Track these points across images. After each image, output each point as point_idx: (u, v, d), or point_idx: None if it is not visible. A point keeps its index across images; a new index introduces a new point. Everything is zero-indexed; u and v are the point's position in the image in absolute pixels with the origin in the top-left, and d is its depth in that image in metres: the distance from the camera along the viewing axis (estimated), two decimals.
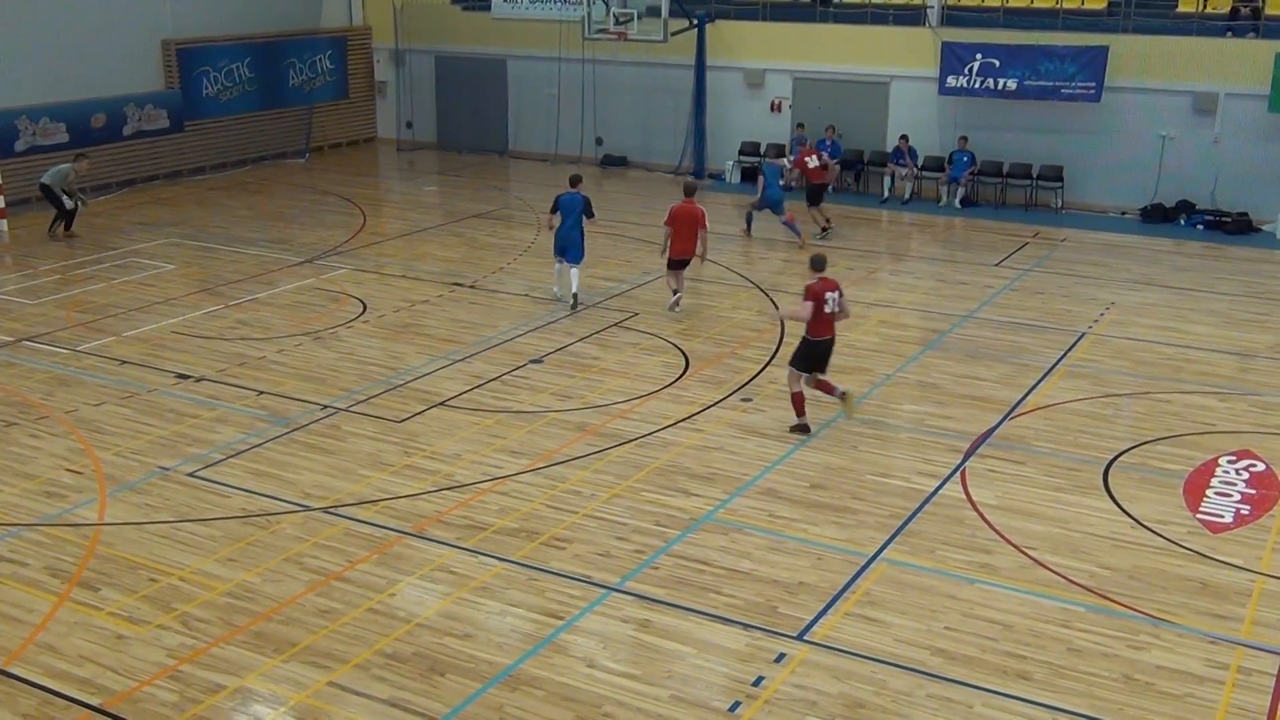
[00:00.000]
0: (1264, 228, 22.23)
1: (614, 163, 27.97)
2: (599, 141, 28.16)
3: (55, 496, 11.14)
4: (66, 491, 11.24)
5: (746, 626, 9.06)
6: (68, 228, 20.99)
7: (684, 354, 15.05)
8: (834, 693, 8.27)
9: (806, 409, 12.65)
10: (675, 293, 16.72)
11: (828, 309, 12.43)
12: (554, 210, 16.75)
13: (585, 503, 11.06)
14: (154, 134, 25.21)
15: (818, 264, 12.69)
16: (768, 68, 26.18)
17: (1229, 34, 22.85)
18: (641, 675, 8.46)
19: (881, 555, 10.15)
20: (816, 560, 10.06)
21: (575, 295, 16.79)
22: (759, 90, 26.36)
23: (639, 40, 25.59)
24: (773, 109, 26.24)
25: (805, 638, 8.93)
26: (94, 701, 8.11)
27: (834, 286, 12.53)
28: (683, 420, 12.98)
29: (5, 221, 21.07)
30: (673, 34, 25.37)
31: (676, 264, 16.62)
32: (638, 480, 11.53)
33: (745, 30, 26.36)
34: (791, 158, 24.96)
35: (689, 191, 16.91)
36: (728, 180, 26.27)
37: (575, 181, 17.03)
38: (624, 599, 9.44)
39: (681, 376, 14.30)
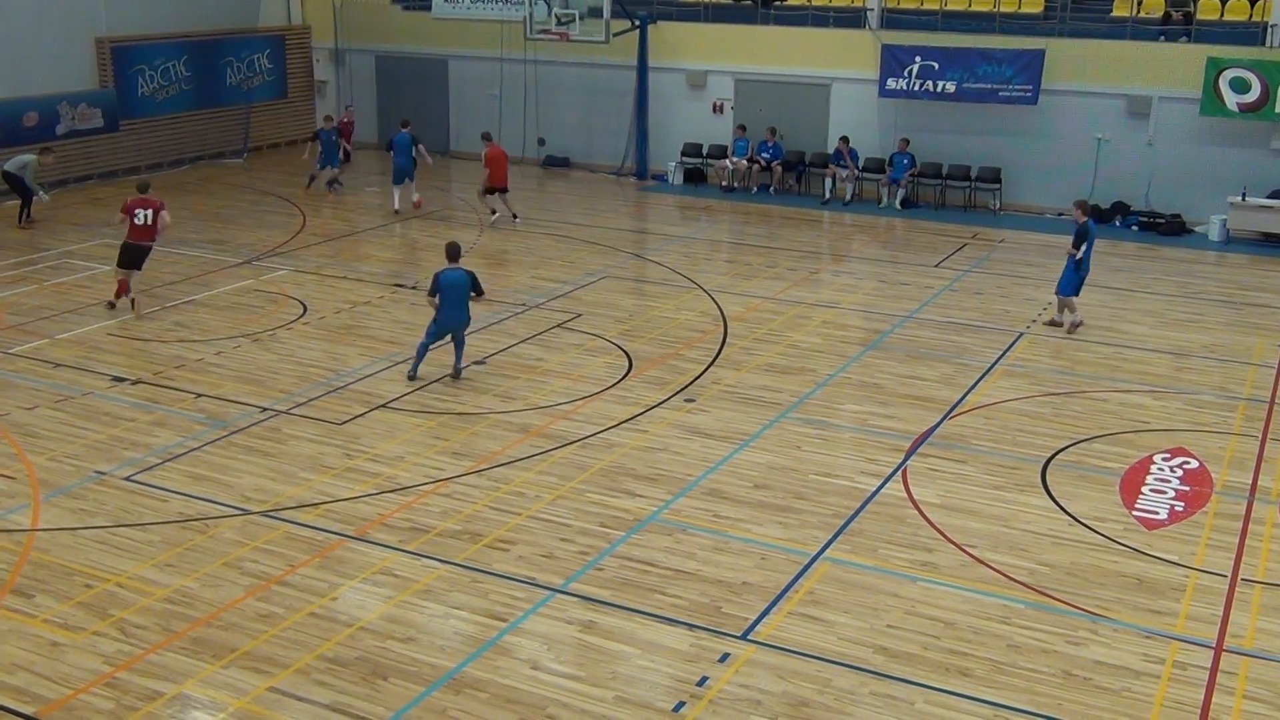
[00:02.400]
0: (1197, 229, 22.68)
1: (556, 163, 27.91)
2: (541, 142, 28.09)
3: None
4: None
5: (691, 627, 9.07)
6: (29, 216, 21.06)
7: (627, 355, 15.05)
8: (778, 691, 8.30)
9: None
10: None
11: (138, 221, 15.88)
12: (433, 292, 13.83)
13: (529, 504, 11.01)
14: (88, 133, 24.77)
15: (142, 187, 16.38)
16: (710, 69, 26.26)
17: (1162, 38, 23.29)
18: (586, 676, 8.44)
19: (824, 554, 10.21)
20: (760, 560, 10.10)
21: (457, 368, 14.29)
22: (701, 91, 26.43)
23: (581, 41, 25.58)
24: (715, 110, 26.32)
25: (749, 637, 8.96)
26: (28, 710, 7.93)
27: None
28: (626, 421, 12.98)
29: None
30: (615, 35, 25.37)
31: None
32: (582, 481, 11.50)
33: (687, 31, 26.42)
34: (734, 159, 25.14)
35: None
36: (670, 181, 26.32)
37: (454, 254, 14.17)
38: (568, 600, 9.41)
39: (625, 377, 14.29)
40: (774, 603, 9.42)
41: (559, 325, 16.17)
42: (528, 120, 27.93)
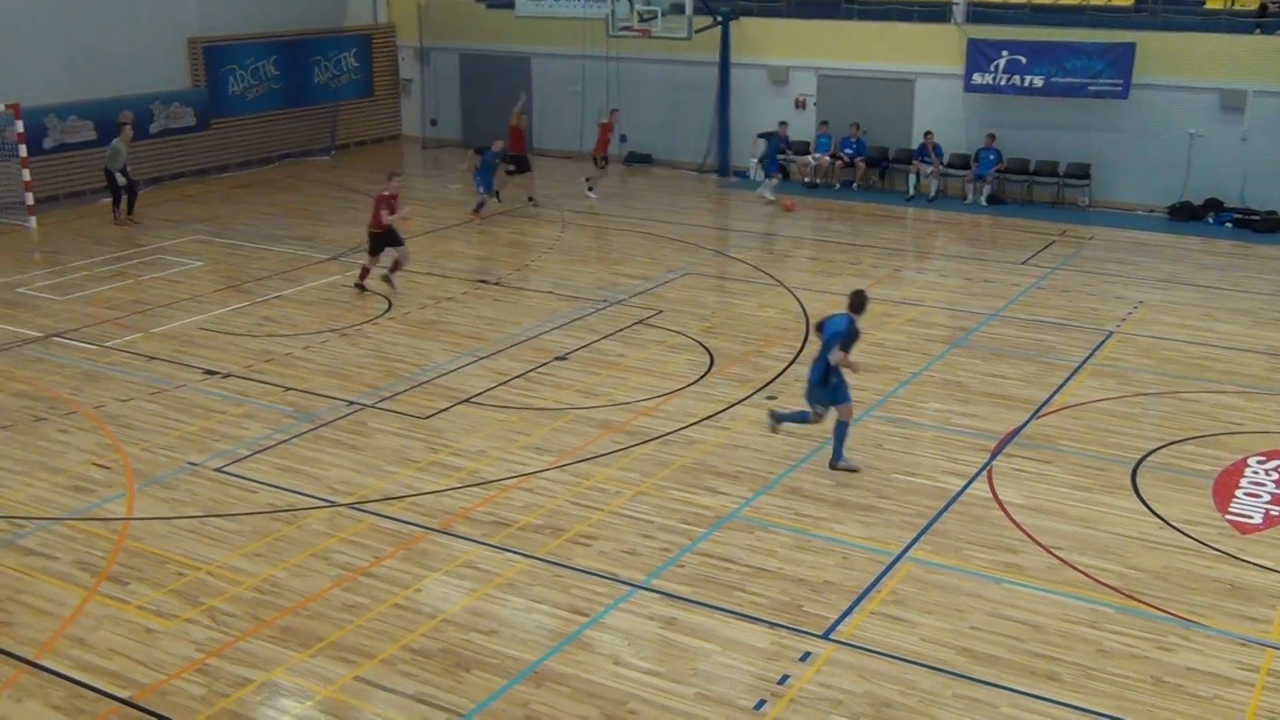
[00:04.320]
0: None
1: (639, 160, 27.95)
2: (623, 139, 28.15)
3: (84, 491, 11.23)
4: (95, 486, 11.33)
5: (772, 625, 9.04)
6: (130, 210, 21.50)
7: (709, 352, 15.04)
8: (860, 692, 8.24)
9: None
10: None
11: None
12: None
13: (610, 500, 11.06)
14: (180, 132, 25.38)
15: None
16: (792, 65, 26.10)
17: (1258, 31, 22.64)
18: (666, 673, 8.46)
19: (907, 554, 10.12)
20: (842, 559, 10.03)
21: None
22: (783, 87, 26.29)
23: (663, 38, 25.58)
24: (797, 106, 26.17)
25: (831, 636, 8.91)
26: (123, 694, 8.17)
27: None
28: (708, 418, 12.97)
29: (34, 219, 21.26)
30: (697, 31, 25.34)
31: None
32: (663, 478, 11.53)
33: (769, 27, 26.29)
34: (816, 155, 25.00)
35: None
36: (752, 177, 26.21)
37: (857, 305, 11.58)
38: (649, 596, 9.44)
39: (707, 374, 14.28)
40: (856, 602, 9.36)
41: (640, 321, 16.21)
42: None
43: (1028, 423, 12.87)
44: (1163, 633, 8.98)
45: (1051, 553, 10.13)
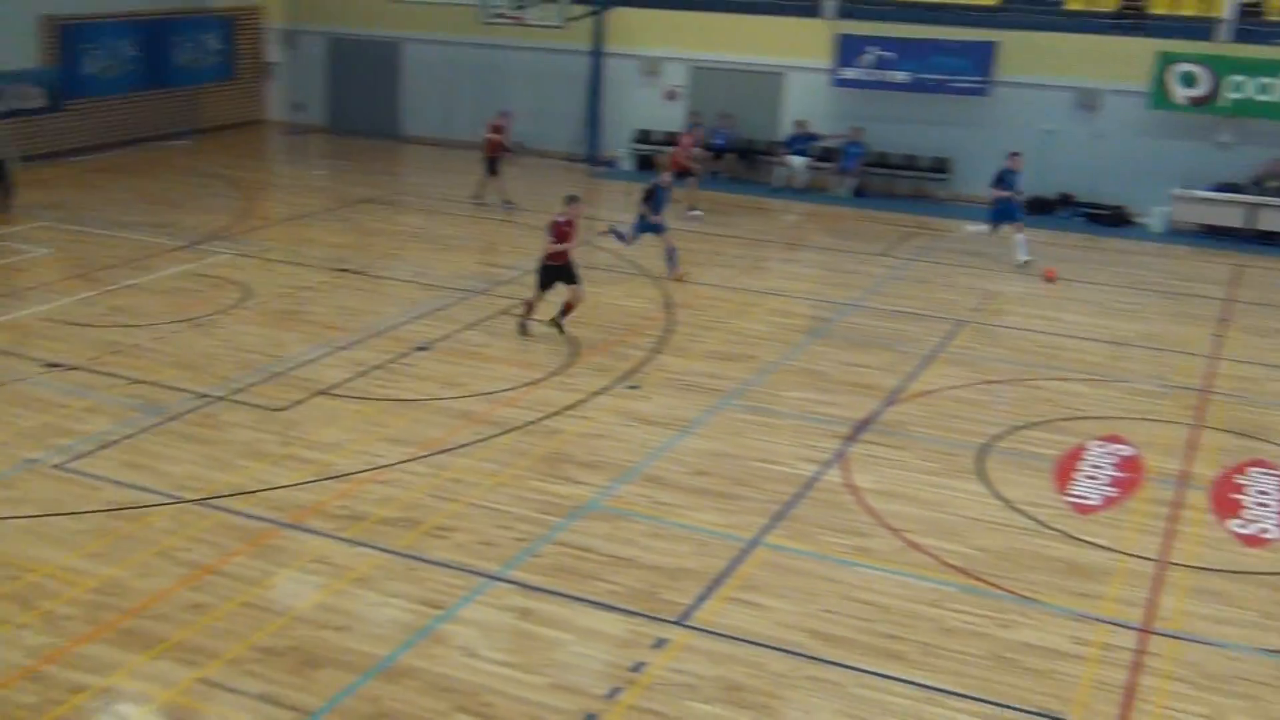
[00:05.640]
0: (1140, 221, 22.95)
1: (507, 150, 27.71)
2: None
3: None
4: None
5: (628, 613, 9.08)
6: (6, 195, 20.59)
7: (572, 341, 15.02)
8: (712, 675, 8.33)
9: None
10: None
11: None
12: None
13: (468, 491, 10.98)
14: (30, 113, 24.34)
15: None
16: (665, 56, 26.21)
17: (1114, 32, 23.50)
18: (521, 663, 8.43)
19: (762, 540, 10.26)
20: (699, 546, 10.13)
21: None
22: (655, 78, 26.38)
23: (536, 25, 25.41)
24: (667, 97, 26.28)
25: (685, 623, 8.98)
26: None
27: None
28: (569, 408, 12.96)
29: None
30: (571, 19, 25.25)
31: None
32: (522, 468, 11.48)
33: (643, 18, 26.35)
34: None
35: None
36: (620, 168, 26.27)
37: None
38: (505, 587, 9.39)
39: (569, 364, 14.27)
40: (711, 588, 9.46)
41: (504, 312, 16.10)
42: (480, 105, 27.70)
43: (883, 410, 13.16)
44: (1003, 610, 9.27)
45: (901, 536, 10.39)
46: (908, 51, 23.74)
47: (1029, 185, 23.52)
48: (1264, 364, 15.25)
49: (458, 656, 8.49)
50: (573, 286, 14.95)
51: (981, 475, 11.65)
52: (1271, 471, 11.93)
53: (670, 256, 17.98)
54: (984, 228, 19.57)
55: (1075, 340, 15.90)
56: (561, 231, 14.72)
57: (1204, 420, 13.24)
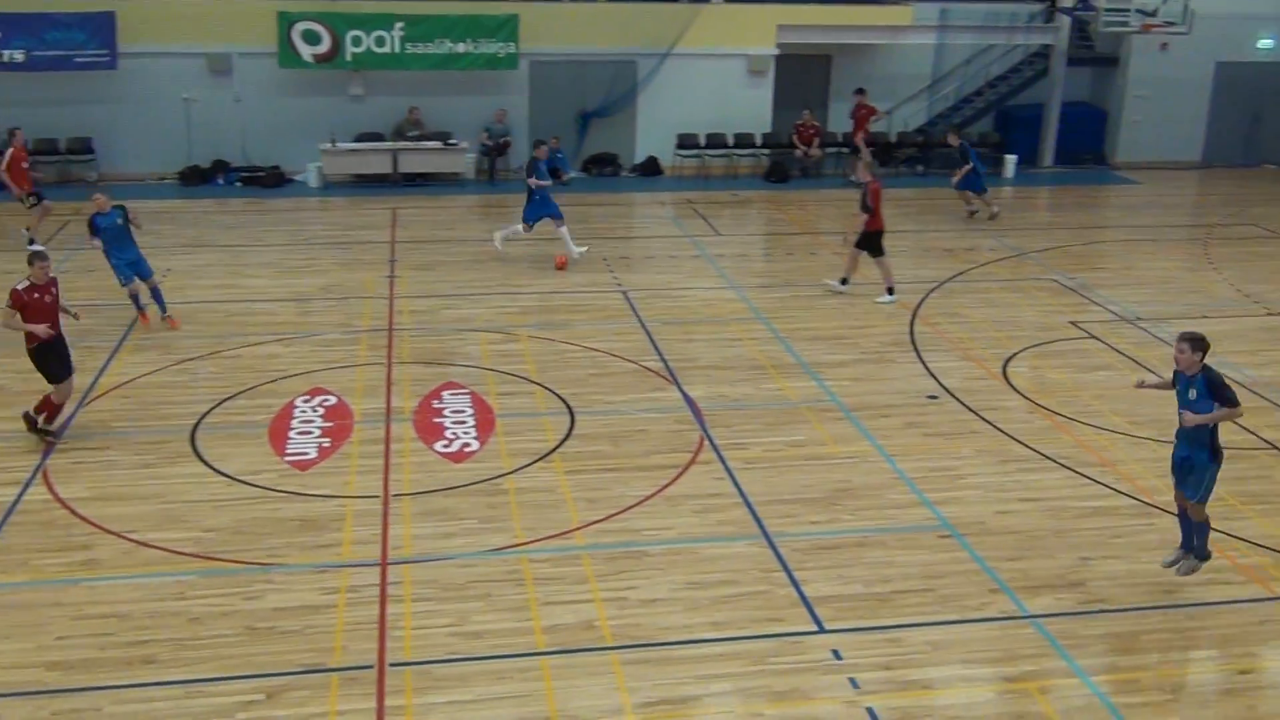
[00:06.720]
0: (296, 178, 23.75)
1: None
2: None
3: None
4: None
5: None
6: None
7: None
8: None
9: None
10: None
11: None
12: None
13: None
14: None
15: None
16: None
17: None
18: None
19: None
20: None
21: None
22: None
23: None
24: None
25: None
26: None
27: None
28: None
29: None
30: None
31: None
32: None
33: None
34: None
35: None
36: None
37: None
38: None
39: None
40: None
41: None
42: None
43: (76, 413, 12.27)
44: (249, 583, 9.25)
45: (125, 537, 9.85)
46: (18, 27, 21.90)
47: (178, 159, 23.20)
48: (434, 296, 16.70)
49: None
50: (881, 259, 16.57)
51: (198, 455, 11.42)
52: (461, 391, 13.20)
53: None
54: (518, 228, 18.02)
55: (262, 304, 16.11)
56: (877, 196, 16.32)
57: (395, 357, 14.22)
